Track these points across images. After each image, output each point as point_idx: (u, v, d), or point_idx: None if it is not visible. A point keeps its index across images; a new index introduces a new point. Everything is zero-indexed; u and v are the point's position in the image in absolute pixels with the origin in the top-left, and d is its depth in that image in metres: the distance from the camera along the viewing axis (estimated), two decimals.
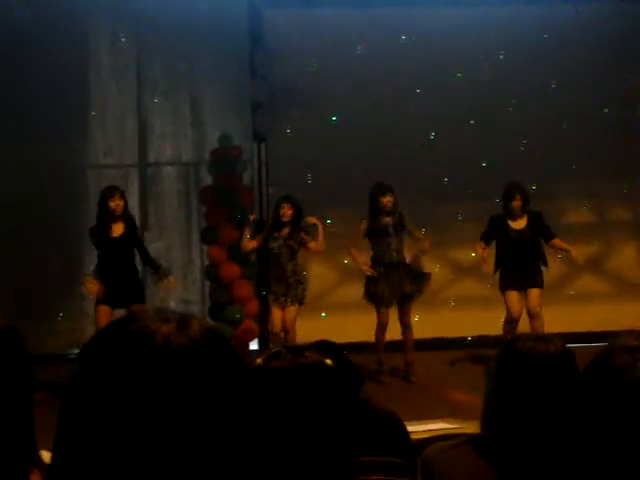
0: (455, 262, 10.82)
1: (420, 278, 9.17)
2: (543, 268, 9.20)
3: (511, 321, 9.05)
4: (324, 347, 2.63)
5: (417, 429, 4.71)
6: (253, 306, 10.04)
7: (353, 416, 2.13)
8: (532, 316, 9.03)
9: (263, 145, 10.74)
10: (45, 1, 10.18)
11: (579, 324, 9.87)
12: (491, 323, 9.32)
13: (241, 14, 10.61)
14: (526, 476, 2.42)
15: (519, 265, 9.04)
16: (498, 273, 9.23)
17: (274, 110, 10.40)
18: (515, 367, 2.56)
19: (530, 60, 10.48)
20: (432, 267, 9.96)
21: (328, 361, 2.06)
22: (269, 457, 1.89)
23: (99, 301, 8.78)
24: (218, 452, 1.15)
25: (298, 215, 9.13)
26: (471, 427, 3.19)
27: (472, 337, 10.02)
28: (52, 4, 10.13)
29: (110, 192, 8.88)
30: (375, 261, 9.15)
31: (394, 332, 9.17)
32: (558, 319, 9.36)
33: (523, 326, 8.97)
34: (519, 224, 9.15)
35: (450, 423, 5.96)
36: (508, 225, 9.14)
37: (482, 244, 9.21)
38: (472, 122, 10.46)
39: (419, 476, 2.79)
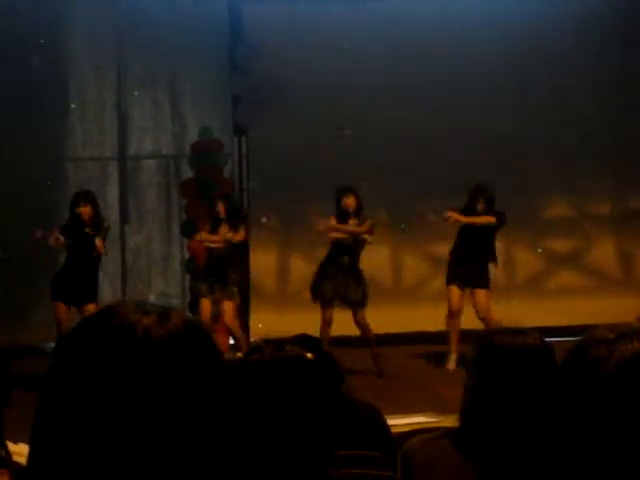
0: (435, 257, 10.84)
1: (365, 286, 9.13)
2: (492, 267, 9.18)
3: (452, 316, 9.06)
4: (305, 341, 2.63)
5: (397, 423, 4.72)
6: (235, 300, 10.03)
7: (333, 410, 2.13)
8: (483, 321, 9.00)
9: (243, 138, 10.73)
10: None
11: (558, 318, 9.89)
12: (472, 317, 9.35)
13: (221, 8, 10.59)
14: (503, 469, 2.43)
15: (465, 262, 9.04)
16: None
17: (254, 104, 10.38)
18: (493, 360, 2.57)
19: (517, 54, 10.49)
20: (413, 261, 9.99)
21: (309, 355, 2.06)
22: (247, 449, 1.89)
23: (55, 297, 8.78)
24: (197, 444, 1.15)
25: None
26: (450, 421, 3.20)
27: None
28: None
29: (75, 198, 8.90)
30: (327, 261, 9.14)
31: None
32: (537, 313, 9.40)
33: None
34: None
35: (430, 417, 5.98)
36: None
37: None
38: (455, 117, 10.47)
39: (399, 469, 2.80)
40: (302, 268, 10.59)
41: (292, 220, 10.61)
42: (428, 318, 10.26)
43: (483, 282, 9.08)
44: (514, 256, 9.67)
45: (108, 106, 10.76)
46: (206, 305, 9.18)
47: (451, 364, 8.97)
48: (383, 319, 9.35)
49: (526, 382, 2.49)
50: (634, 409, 1.13)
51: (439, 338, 10.03)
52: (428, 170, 10.42)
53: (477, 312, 9.03)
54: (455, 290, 9.11)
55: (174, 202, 10.79)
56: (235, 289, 9.30)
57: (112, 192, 10.61)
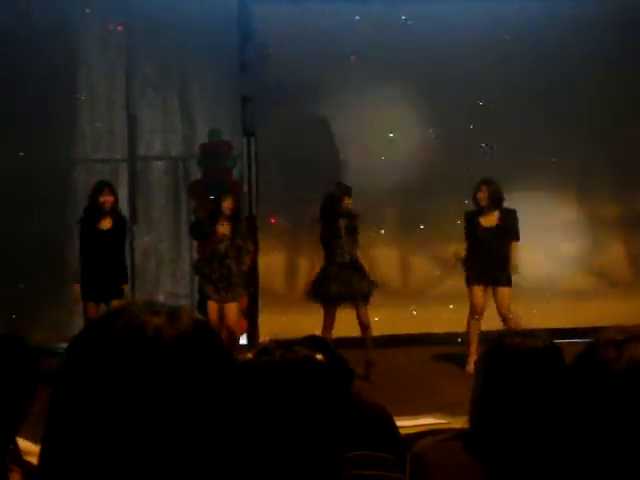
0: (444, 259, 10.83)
1: (368, 279, 9.13)
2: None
3: (475, 316, 9.05)
4: (315, 342, 2.64)
5: (406, 424, 4.72)
6: (242, 301, 10.03)
7: (342, 411, 2.13)
8: (504, 319, 9.01)
9: (252, 140, 10.73)
10: None
11: (567, 320, 9.89)
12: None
13: (231, 9, 10.60)
14: (514, 471, 2.43)
15: (485, 262, 9.03)
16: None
17: (264, 105, 10.39)
18: (503, 363, 2.57)
19: (518, 58, 10.49)
20: (422, 263, 9.98)
21: (318, 356, 2.06)
22: (257, 450, 1.90)
23: (85, 298, 8.84)
24: (207, 444, 1.15)
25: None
26: (459, 422, 3.20)
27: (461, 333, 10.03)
28: None
29: (100, 186, 8.92)
30: (327, 262, 9.11)
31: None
32: (546, 315, 9.39)
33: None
34: (489, 221, 9.17)
35: (438, 418, 5.98)
36: (478, 222, 9.16)
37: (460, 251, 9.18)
38: (463, 120, 10.46)
39: (408, 471, 2.79)
40: (311, 269, 10.59)
41: (301, 221, 10.61)
42: (433, 319, 10.28)
43: (505, 280, 9.08)
44: (521, 258, 9.64)
45: (118, 107, 10.78)
46: (212, 306, 9.17)
47: (471, 366, 8.84)
48: (389, 320, 9.36)
49: (536, 384, 2.49)
50: None
51: (444, 339, 10.04)
52: (437, 172, 10.41)
53: (499, 309, 9.02)
54: (478, 290, 9.10)
55: (183, 203, 10.80)
56: (241, 290, 9.28)
57: (121, 193, 10.61)
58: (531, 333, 2.66)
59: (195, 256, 10.34)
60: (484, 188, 9.12)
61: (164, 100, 10.79)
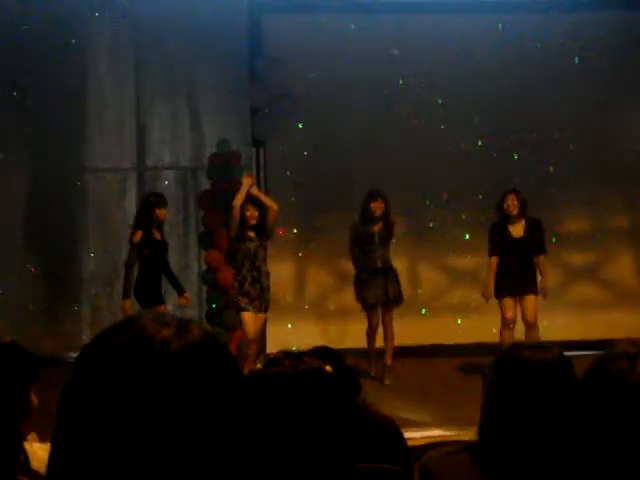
0: (454, 268, 10.83)
1: (399, 286, 9.25)
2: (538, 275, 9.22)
3: (508, 328, 9.05)
4: (324, 353, 2.63)
5: (414, 436, 4.71)
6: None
7: (350, 422, 2.12)
8: (529, 326, 9.03)
9: (262, 150, 10.74)
10: (43, 3, 10.18)
11: (576, 332, 9.86)
12: (487, 330, 9.33)
13: (241, 19, 10.61)
14: None
15: (514, 271, 9.04)
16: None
17: (273, 115, 10.40)
18: (512, 375, 2.56)
19: (531, 67, 10.50)
20: (432, 273, 9.96)
21: (327, 367, 2.06)
22: (265, 461, 1.89)
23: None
24: (214, 456, 1.15)
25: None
26: (468, 434, 3.19)
27: (470, 344, 10.02)
28: (50, 6, 10.13)
29: (157, 200, 9.02)
30: (360, 267, 9.20)
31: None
32: (555, 327, 9.37)
33: (518, 334, 8.97)
34: (517, 231, 9.15)
35: (447, 430, 5.97)
36: (509, 232, 9.14)
37: (493, 269, 9.16)
38: (471, 128, 10.48)
39: None
40: (319, 279, 10.59)
41: (310, 231, 10.62)
42: (447, 330, 10.27)
43: (533, 288, 9.09)
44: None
45: (127, 117, 10.81)
46: (249, 318, 8.88)
47: None
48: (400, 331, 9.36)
49: (545, 396, 2.48)
50: None
51: (455, 351, 10.03)
52: (446, 181, 10.42)
53: (525, 317, 9.03)
54: (509, 301, 9.09)
55: (192, 213, 10.81)
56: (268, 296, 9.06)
57: (130, 203, 10.63)
58: (540, 345, 2.66)
59: (204, 266, 10.34)
60: (513, 197, 9.09)
61: (173, 110, 10.81)
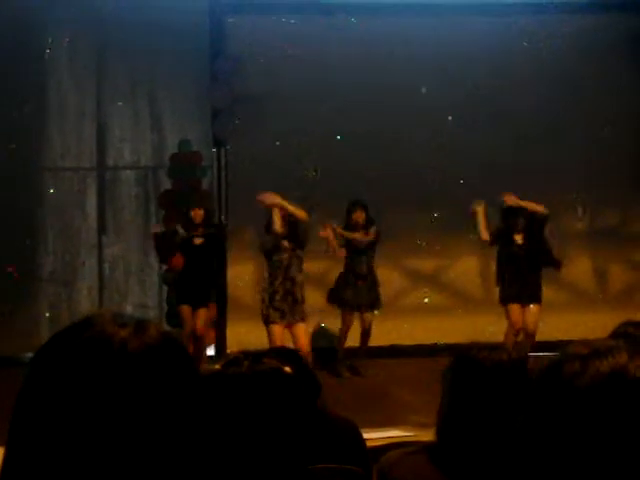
0: (415, 270, 10.86)
1: (378, 289, 9.49)
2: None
3: (515, 332, 9.06)
4: (284, 354, 2.64)
5: (373, 436, 4.72)
6: (211, 311, 10.00)
7: (309, 423, 2.13)
8: (528, 334, 9.05)
9: (223, 151, 10.71)
10: (2, 4, 10.09)
11: (538, 334, 9.92)
12: (446, 330, 9.38)
13: (202, 20, 10.59)
14: None
15: (522, 279, 9.07)
16: (500, 285, 9.28)
17: (234, 116, 10.38)
18: (469, 376, 2.57)
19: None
20: (394, 275, 10.00)
21: (286, 368, 2.06)
22: (223, 462, 1.89)
23: (180, 301, 9.28)
24: (171, 455, 1.15)
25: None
26: (426, 435, 3.21)
27: (440, 344, 10.03)
28: (10, 6, 10.04)
29: (190, 201, 9.46)
30: (346, 271, 9.44)
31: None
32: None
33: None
34: (521, 236, 9.16)
35: (405, 431, 5.99)
36: (514, 239, 9.13)
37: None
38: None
39: None
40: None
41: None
42: (404, 331, 10.30)
43: (538, 297, 9.16)
44: (492, 271, 9.69)
45: (87, 116, 10.73)
46: (278, 330, 8.69)
47: None
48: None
49: (501, 398, 2.50)
50: (607, 425, 1.14)
51: (414, 351, 10.07)
52: (418, 182, 10.44)
53: (528, 325, 9.08)
54: (516, 308, 9.12)
55: (152, 213, 10.76)
56: (304, 307, 8.90)
57: (90, 202, 10.57)
58: (496, 347, 2.67)
59: (164, 266, 10.29)
60: (520, 217, 9.09)
61: (134, 109, 10.76)
